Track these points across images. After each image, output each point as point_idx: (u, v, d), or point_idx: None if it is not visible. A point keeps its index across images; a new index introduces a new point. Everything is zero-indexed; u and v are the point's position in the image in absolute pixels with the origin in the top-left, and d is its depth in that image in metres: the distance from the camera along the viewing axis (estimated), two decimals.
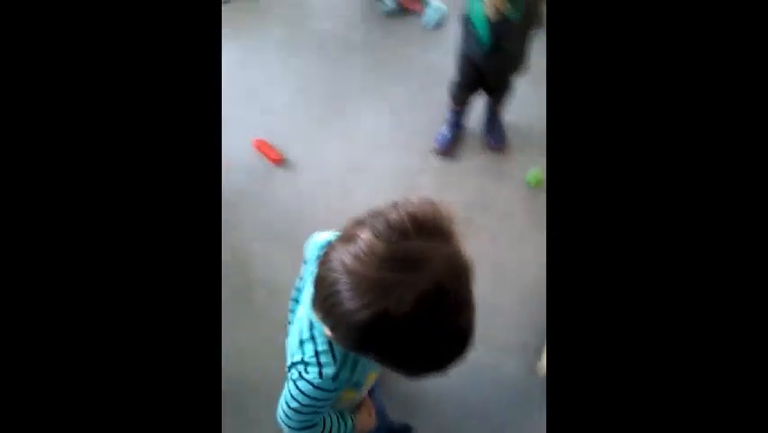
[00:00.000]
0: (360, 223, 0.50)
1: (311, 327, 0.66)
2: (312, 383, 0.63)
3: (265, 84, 2.05)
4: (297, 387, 0.65)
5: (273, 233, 1.70)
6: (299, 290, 0.81)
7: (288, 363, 0.68)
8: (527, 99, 1.80)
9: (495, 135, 1.76)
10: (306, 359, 0.64)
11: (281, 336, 1.49)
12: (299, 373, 0.64)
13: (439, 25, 2.15)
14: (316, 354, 0.64)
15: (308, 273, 0.74)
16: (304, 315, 0.68)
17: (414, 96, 1.96)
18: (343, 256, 0.47)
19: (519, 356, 1.42)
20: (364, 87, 2.01)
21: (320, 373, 0.63)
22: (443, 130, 1.78)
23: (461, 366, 1.23)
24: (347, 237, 0.49)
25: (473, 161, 1.78)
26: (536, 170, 1.68)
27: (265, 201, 1.77)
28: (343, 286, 0.46)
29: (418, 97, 1.95)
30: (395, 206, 0.49)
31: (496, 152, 1.77)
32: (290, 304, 0.85)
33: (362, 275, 0.45)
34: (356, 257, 0.46)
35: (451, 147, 1.78)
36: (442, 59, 2.01)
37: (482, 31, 1.36)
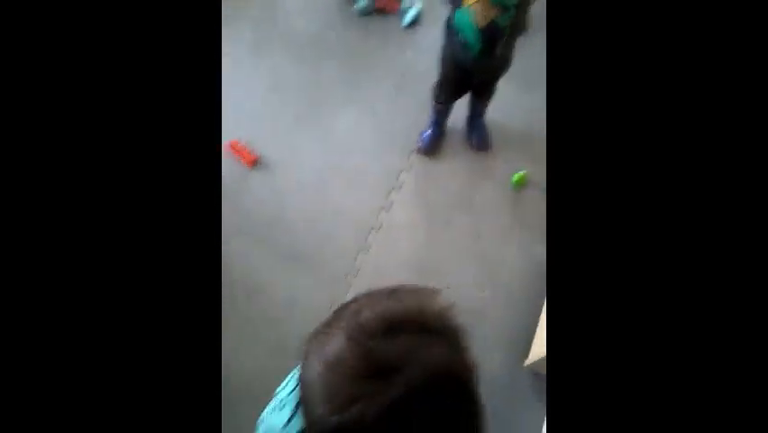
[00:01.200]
0: (338, 318, 0.45)
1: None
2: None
3: (237, 85, 1.93)
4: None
5: (250, 234, 1.62)
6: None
7: None
8: (510, 101, 1.81)
9: (478, 136, 1.76)
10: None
11: (261, 335, 1.46)
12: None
13: (415, 23, 2.13)
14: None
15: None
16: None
17: (392, 95, 1.93)
18: (316, 359, 0.44)
19: (506, 352, 1.43)
20: (341, 87, 1.96)
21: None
22: (426, 129, 1.76)
23: None
24: (324, 336, 0.45)
25: (456, 160, 1.77)
26: (521, 171, 1.69)
27: (241, 203, 1.68)
28: (315, 390, 0.43)
29: (396, 96, 1.92)
30: (371, 300, 0.44)
31: (479, 152, 1.77)
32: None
33: (332, 382, 0.42)
34: (326, 362, 0.42)
35: (434, 147, 1.76)
36: (419, 58, 2.00)
37: (471, 38, 1.35)
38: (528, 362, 1.37)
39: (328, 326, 0.45)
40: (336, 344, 0.42)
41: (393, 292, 0.45)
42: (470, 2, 1.27)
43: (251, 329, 1.46)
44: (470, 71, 1.49)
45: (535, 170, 1.72)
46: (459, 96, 1.64)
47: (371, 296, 0.45)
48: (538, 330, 1.38)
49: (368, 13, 2.17)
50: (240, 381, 1.31)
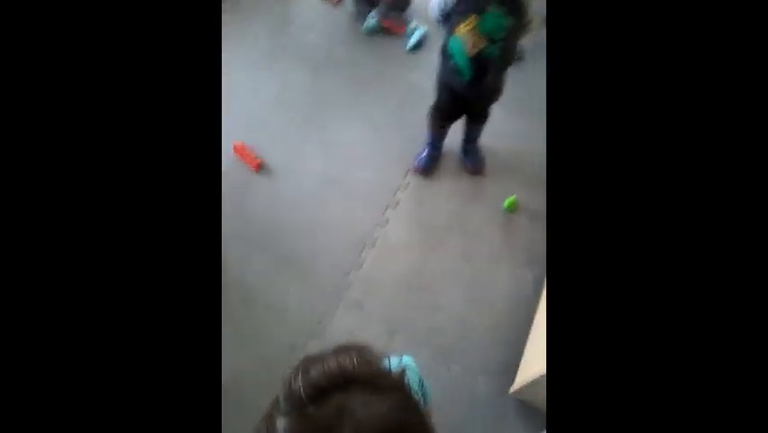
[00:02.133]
0: (275, 401, 0.44)
1: None
2: None
3: (249, 90, 2.01)
4: None
5: (249, 237, 1.68)
6: None
7: None
8: (503, 126, 1.88)
9: (472, 159, 1.82)
10: None
11: (249, 340, 1.49)
12: None
13: (420, 47, 2.20)
14: None
15: None
16: None
17: (394, 113, 1.99)
18: None
19: (494, 375, 1.46)
20: (346, 101, 2.02)
21: None
22: (423, 150, 1.82)
23: (435, 385, 1.24)
24: (268, 412, 0.44)
25: (451, 182, 1.83)
26: (512, 196, 1.75)
27: (242, 205, 1.74)
28: None
29: (398, 115, 1.98)
30: (307, 363, 0.43)
31: (473, 175, 1.83)
32: None
33: None
34: None
35: (429, 167, 1.82)
36: (422, 80, 2.06)
37: (462, 65, 1.41)
38: (513, 389, 1.38)
39: (276, 401, 0.44)
40: (270, 420, 0.42)
41: (333, 352, 0.44)
42: (461, 30, 1.32)
43: (241, 334, 1.50)
44: (462, 97, 1.54)
45: (525, 194, 1.78)
46: (453, 120, 1.70)
47: (308, 360, 0.44)
48: (524, 357, 1.42)
49: (375, 32, 2.24)
50: (227, 384, 1.35)
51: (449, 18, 1.37)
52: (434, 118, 1.70)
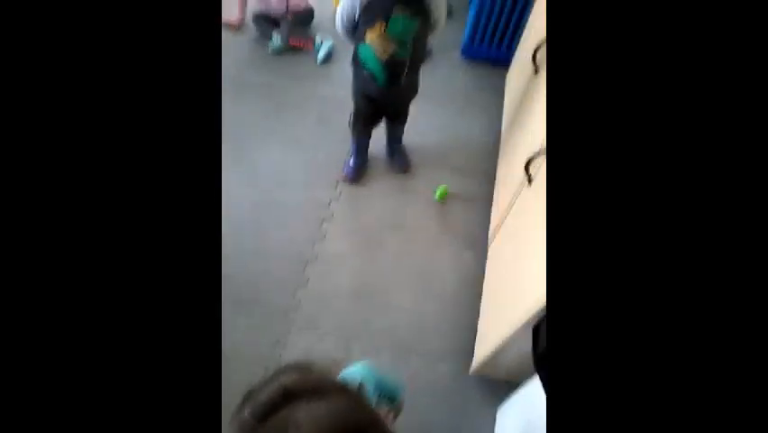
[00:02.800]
0: None
1: None
2: None
3: None
4: None
5: None
6: None
7: None
8: (423, 121, 1.93)
9: (399, 159, 1.86)
10: None
11: None
12: None
13: (330, 59, 2.23)
14: None
15: None
16: None
17: (314, 128, 1.99)
18: None
19: (451, 360, 1.48)
20: (264, 124, 2.00)
21: None
22: (349, 159, 1.83)
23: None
24: None
25: (381, 184, 1.85)
26: (442, 186, 1.80)
27: None
28: None
29: (319, 129, 1.99)
30: (246, 399, 0.45)
31: (401, 173, 1.86)
32: None
33: None
34: None
35: (358, 174, 1.83)
36: (336, 91, 2.09)
37: (376, 70, 1.43)
38: (472, 369, 1.42)
39: None
40: None
41: (273, 375, 0.46)
42: (371, 37, 1.35)
43: None
44: (380, 101, 1.57)
45: (454, 181, 1.84)
46: (374, 124, 1.73)
47: (251, 390, 0.46)
48: (477, 336, 1.45)
49: (281, 51, 2.24)
50: None
51: (356, 29, 1.39)
52: (355, 126, 1.72)
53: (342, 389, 0.45)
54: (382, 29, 1.32)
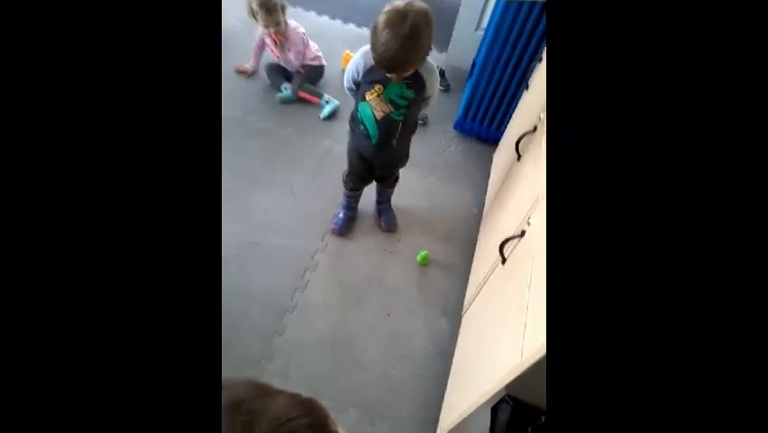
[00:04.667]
0: None
1: None
2: None
3: None
4: None
5: None
6: None
7: None
8: (413, 186, 2.05)
9: (386, 218, 1.96)
10: None
11: None
12: None
13: (333, 116, 2.37)
14: None
15: None
16: None
17: (310, 178, 2.10)
18: None
19: (419, 425, 1.51)
20: (262, 169, 2.09)
21: None
22: (339, 213, 1.92)
23: None
24: None
25: (367, 240, 1.94)
26: (424, 251, 1.89)
27: None
28: None
29: (314, 180, 2.09)
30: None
31: (387, 233, 1.96)
32: None
33: None
34: None
35: (346, 228, 1.92)
36: (335, 146, 2.21)
37: (371, 128, 1.57)
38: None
39: None
40: None
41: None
42: (369, 97, 1.50)
43: None
44: (371, 160, 1.68)
45: (435, 248, 1.93)
46: (365, 183, 1.84)
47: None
48: (443, 406, 1.49)
49: (289, 102, 2.38)
50: None
51: (359, 87, 1.53)
52: (348, 183, 1.83)
53: (292, 394, 0.47)
54: (380, 91, 1.46)
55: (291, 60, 2.36)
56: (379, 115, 1.52)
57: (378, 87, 1.45)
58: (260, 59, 2.47)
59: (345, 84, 1.57)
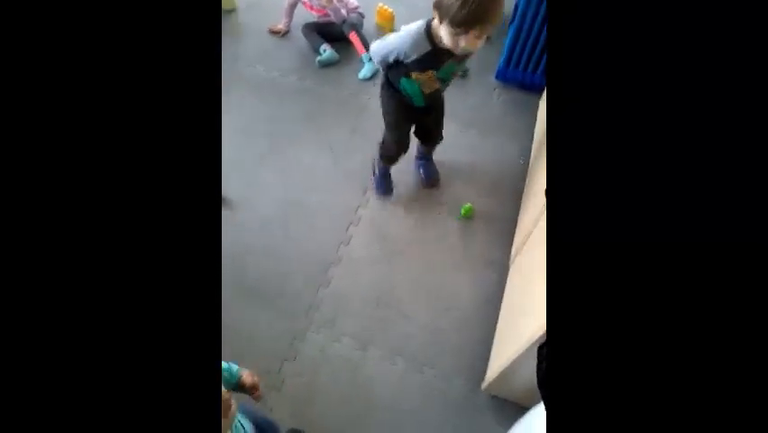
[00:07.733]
0: None
1: None
2: None
3: None
4: None
5: None
6: None
7: None
8: (453, 140, 1.99)
9: (427, 174, 1.92)
10: None
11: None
12: None
13: (372, 78, 2.32)
14: None
15: None
16: None
17: (348, 136, 2.08)
18: None
19: (465, 377, 1.51)
20: (301, 127, 2.10)
21: None
22: (380, 181, 1.88)
23: (411, 391, 1.25)
24: None
25: (409, 196, 1.91)
26: (467, 204, 1.85)
27: None
28: None
29: (352, 138, 2.08)
30: None
31: (429, 187, 1.92)
32: None
33: None
34: None
35: (387, 190, 1.89)
36: (373, 104, 2.17)
37: (417, 99, 1.55)
38: (484, 385, 1.44)
39: None
40: None
41: None
42: (418, 77, 1.45)
43: None
44: (419, 109, 1.62)
45: (480, 201, 1.88)
46: (406, 149, 1.75)
47: None
48: (492, 353, 1.49)
49: (330, 64, 2.34)
50: None
51: (397, 65, 1.44)
52: (385, 155, 1.76)
53: None
54: (432, 74, 1.44)
55: (339, 9, 2.31)
56: (428, 90, 1.50)
57: (430, 72, 1.43)
58: (292, 17, 2.44)
59: (381, 59, 1.46)
